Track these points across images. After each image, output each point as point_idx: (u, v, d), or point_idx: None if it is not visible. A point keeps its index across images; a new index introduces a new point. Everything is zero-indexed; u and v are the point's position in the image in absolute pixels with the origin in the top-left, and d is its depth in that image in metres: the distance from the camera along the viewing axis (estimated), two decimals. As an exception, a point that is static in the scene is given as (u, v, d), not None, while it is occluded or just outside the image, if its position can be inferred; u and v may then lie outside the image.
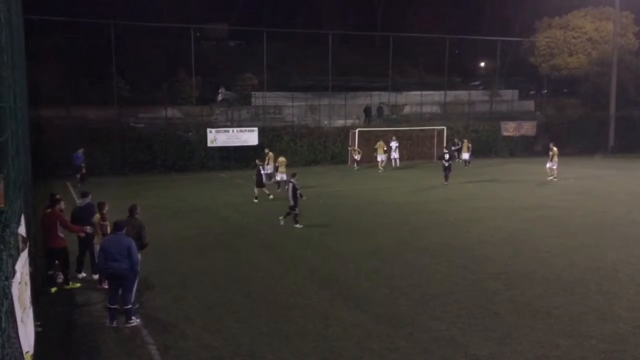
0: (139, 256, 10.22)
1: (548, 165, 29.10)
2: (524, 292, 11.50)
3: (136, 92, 39.29)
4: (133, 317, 10.08)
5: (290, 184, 18.31)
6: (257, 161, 24.57)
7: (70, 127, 31.91)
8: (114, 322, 10.07)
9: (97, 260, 10.98)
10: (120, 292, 10.09)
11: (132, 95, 38.85)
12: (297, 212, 18.16)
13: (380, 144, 35.08)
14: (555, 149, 29.01)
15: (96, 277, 12.53)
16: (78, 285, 12.28)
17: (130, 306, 10.05)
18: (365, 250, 15.12)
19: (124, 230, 10.17)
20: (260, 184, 23.40)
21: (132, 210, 11.13)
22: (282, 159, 26.43)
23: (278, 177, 26.02)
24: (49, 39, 38.29)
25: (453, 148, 34.74)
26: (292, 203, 18.03)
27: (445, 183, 27.39)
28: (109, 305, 10.18)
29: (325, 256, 14.59)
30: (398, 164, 36.04)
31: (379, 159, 34.66)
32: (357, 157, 35.37)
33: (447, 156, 28.05)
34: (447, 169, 27.73)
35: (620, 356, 8.61)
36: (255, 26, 43.08)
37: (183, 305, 10.96)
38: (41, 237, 12.07)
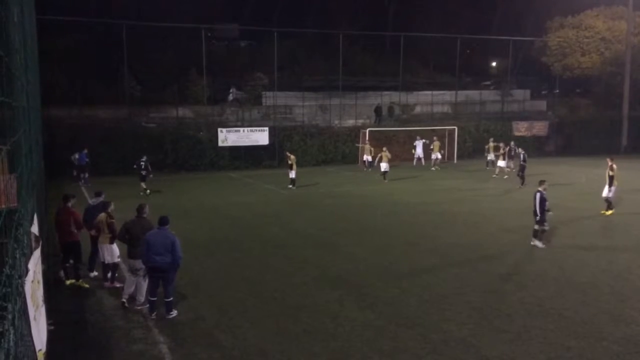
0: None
1: (502, 164, 30.27)
2: (535, 293, 11.43)
3: (147, 92, 39.49)
4: (173, 310, 10.41)
5: (538, 194, 15.25)
6: (145, 159, 25.36)
7: (81, 126, 32.15)
8: (154, 314, 10.39)
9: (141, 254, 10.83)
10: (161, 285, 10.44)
11: (143, 95, 39.09)
12: (545, 227, 15.32)
13: (436, 144, 35.34)
14: (506, 148, 30.09)
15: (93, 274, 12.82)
16: (87, 285, 12.36)
17: (171, 299, 10.38)
18: (375, 250, 15.11)
19: (169, 225, 10.43)
20: (143, 179, 24.82)
21: (140, 210, 11.18)
22: (293, 156, 27.09)
23: (291, 175, 26.56)
24: (61, 39, 38.56)
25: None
26: (538, 216, 15.14)
27: (522, 185, 26.32)
28: (149, 298, 10.54)
29: (335, 256, 14.58)
30: (423, 163, 35.95)
31: (433, 156, 35.10)
32: (369, 156, 34.41)
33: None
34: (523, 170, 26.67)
35: (634, 358, 8.53)
36: (266, 26, 43.13)
37: (194, 305, 11.00)
38: (56, 233, 12.49)
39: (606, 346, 8.91)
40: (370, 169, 33.85)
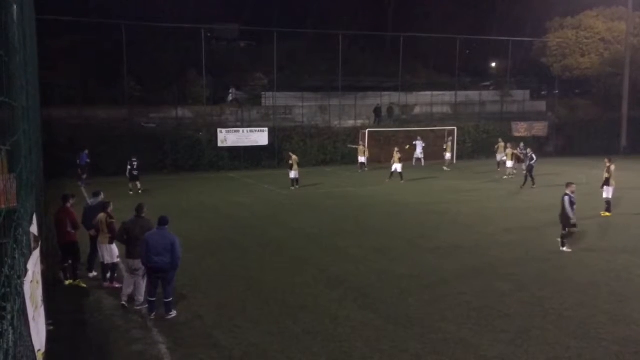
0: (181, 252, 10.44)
1: (510, 164, 30.12)
2: (535, 293, 11.44)
3: (147, 92, 39.45)
4: (173, 310, 10.40)
5: (566, 197, 14.61)
6: (133, 159, 26.00)
7: (81, 127, 32.13)
8: (153, 314, 10.41)
9: (140, 254, 10.62)
10: (160, 285, 10.44)
11: (143, 95, 39.03)
12: (564, 232, 14.83)
13: (450, 144, 35.16)
14: (512, 151, 30.28)
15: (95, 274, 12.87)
16: (84, 285, 12.39)
17: (170, 299, 10.38)
18: (376, 250, 15.10)
19: (168, 226, 10.46)
20: (135, 179, 25.69)
21: (139, 210, 11.21)
22: (295, 157, 27.25)
23: (292, 175, 26.75)
24: (61, 40, 38.58)
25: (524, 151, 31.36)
26: (573, 220, 14.55)
27: (532, 186, 26.35)
28: (148, 298, 10.55)
29: (335, 256, 14.58)
30: (423, 164, 36.00)
31: (447, 157, 34.79)
32: (363, 158, 33.92)
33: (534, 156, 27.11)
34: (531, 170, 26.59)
35: (633, 358, 8.54)
36: (266, 26, 43.10)
37: (193, 305, 11.00)
38: (55, 233, 12.55)
39: (605, 346, 8.91)
40: (367, 169, 33.73)
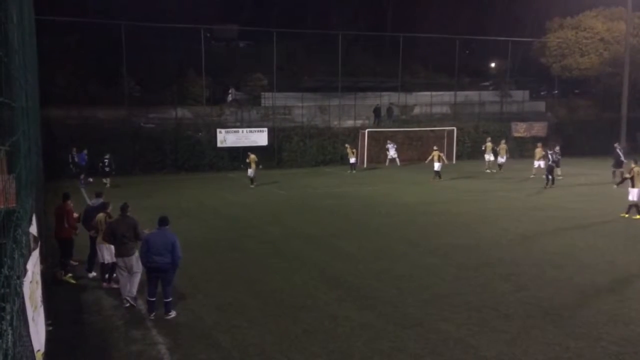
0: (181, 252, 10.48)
1: (541, 164, 29.95)
2: (534, 294, 11.43)
3: (146, 93, 39.45)
4: (172, 310, 10.41)
5: None
6: (105, 157, 27.55)
7: (80, 127, 32.12)
8: (153, 314, 10.40)
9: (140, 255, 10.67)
10: (160, 285, 10.44)
11: (142, 95, 39.04)
12: None
13: (503, 147, 33.71)
14: (542, 151, 30.20)
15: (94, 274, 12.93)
16: (73, 281, 12.51)
17: (170, 299, 10.39)
18: (375, 250, 15.10)
19: (169, 226, 10.53)
20: (106, 175, 27.17)
21: (123, 209, 11.32)
22: (252, 156, 27.87)
23: (249, 173, 27.75)
24: (60, 40, 38.55)
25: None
26: None
27: (550, 186, 26.30)
28: (148, 298, 10.53)
29: (334, 256, 14.57)
30: (399, 164, 36.88)
31: (486, 158, 34.23)
32: (353, 159, 33.52)
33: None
34: (551, 172, 26.60)
35: (632, 359, 8.54)
36: (265, 27, 43.07)
37: (192, 305, 11.00)
38: (53, 227, 12.87)
39: (604, 346, 8.91)
40: (354, 171, 33.33)
